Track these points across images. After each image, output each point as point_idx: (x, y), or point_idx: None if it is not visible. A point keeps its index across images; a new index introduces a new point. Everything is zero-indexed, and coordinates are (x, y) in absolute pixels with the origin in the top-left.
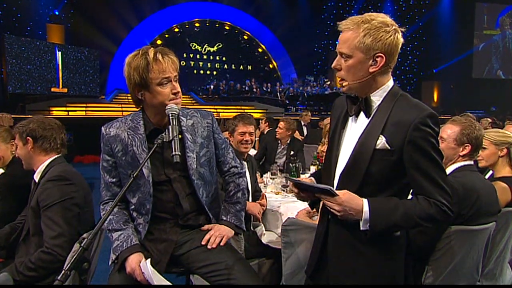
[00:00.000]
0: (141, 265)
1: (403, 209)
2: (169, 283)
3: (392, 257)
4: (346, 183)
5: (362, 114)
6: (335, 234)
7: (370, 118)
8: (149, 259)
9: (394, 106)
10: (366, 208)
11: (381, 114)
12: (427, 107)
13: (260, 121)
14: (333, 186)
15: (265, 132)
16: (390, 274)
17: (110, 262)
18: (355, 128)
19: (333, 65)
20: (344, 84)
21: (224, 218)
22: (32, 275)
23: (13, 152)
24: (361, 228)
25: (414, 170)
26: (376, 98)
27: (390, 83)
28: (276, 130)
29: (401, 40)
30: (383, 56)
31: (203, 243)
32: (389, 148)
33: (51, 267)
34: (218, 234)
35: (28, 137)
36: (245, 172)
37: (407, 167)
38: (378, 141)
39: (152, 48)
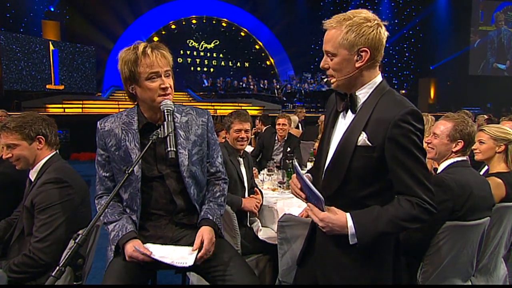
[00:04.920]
0: (136, 248)
1: (387, 216)
2: (172, 246)
3: (378, 254)
4: (330, 179)
5: (350, 110)
6: None
7: (355, 115)
8: (139, 241)
9: (378, 102)
10: (350, 223)
11: (365, 111)
12: (409, 104)
13: (255, 121)
14: (320, 182)
15: (263, 131)
16: (376, 270)
17: (109, 253)
18: (343, 124)
19: (321, 65)
20: (332, 81)
21: (211, 218)
22: (17, 277)
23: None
24: (350, 243)
25: (395, 167)
26: (362, 95)
27: (378, 79)
28: (280, 127)
29: (385, 34)
30: (368, 50)
31: (195, 248)
32: (370, 144)
33: (31, 272)
34: (211, 240)
35: (39, 136)
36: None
37: (389, 164)
38: (360, 138)
39: (144, 43)
